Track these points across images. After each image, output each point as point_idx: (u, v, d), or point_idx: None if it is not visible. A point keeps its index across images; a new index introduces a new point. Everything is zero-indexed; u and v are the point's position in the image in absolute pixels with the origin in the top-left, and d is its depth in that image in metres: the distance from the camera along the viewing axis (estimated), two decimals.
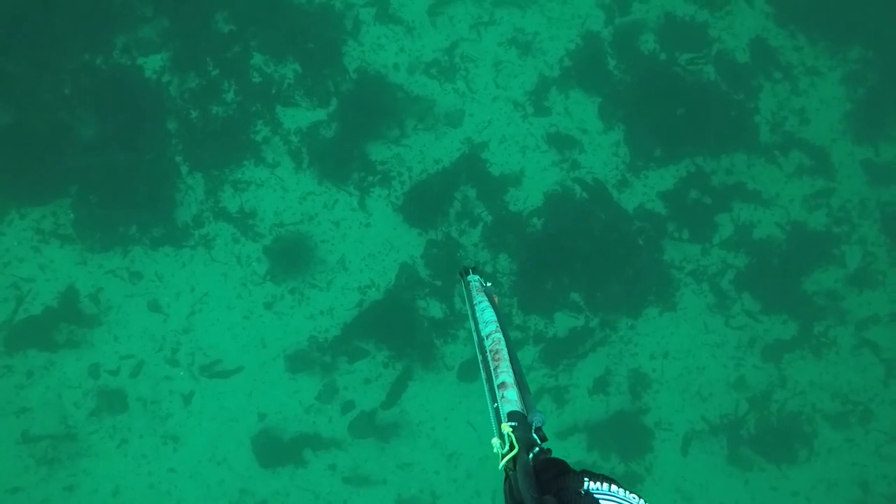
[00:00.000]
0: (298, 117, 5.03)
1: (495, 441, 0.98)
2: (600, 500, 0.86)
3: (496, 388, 1.05)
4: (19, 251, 4.71)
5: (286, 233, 4.97)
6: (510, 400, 1.03)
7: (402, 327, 5.02)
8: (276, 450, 4.86)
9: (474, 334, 1.20)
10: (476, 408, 5.24)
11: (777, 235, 5.33)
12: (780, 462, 5.29)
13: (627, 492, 0.91)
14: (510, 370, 1.08)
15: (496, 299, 1.20)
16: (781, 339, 5.35)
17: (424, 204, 5.05)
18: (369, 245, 5.04)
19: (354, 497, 4.91)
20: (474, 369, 5.42)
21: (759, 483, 5.33)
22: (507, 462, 0.94)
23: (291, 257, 4.96)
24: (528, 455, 0.93)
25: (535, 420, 0.98)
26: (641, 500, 0.89)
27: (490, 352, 1.12)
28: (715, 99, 5.31)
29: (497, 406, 1.02)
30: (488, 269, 5.11)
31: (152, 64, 4.94)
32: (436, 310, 5.07)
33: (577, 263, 5.14)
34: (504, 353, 1.11)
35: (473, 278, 1.36)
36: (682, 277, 5.30)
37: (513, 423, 0.98)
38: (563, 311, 5.19)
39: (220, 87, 4.99)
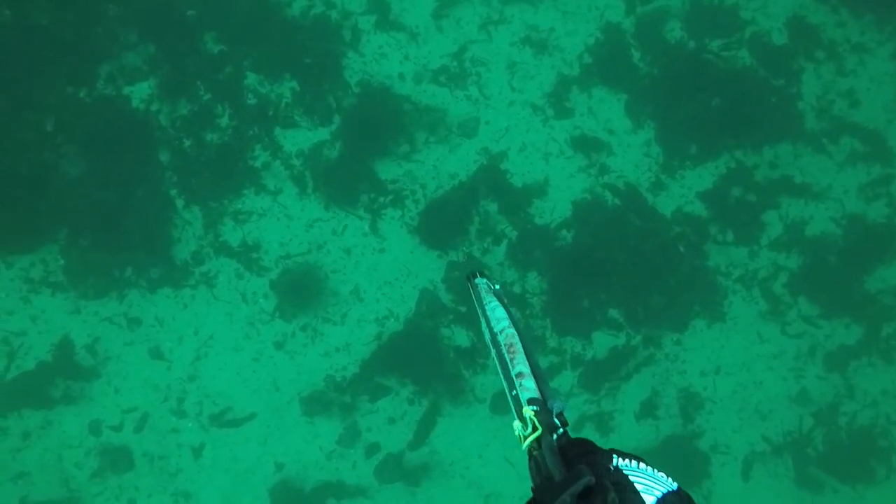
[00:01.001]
0: (299, 138, 4.68)
1: (517, 424, 0.97)
2: (630, 477, 0.84)
3: (513, 377, 1.05)
4: (8, 303, 4.41)
5: (293, 265, 4.61)
6: (528, 388, 1.03)
7: (426, 359, 4.63)
8: (297, 501, 4.47)
9: (486, 332, 1.18)
10: (513, 442, 4.79)
11: (832, 231, 4.87)
12: (856, 482, 4.80)
13: (657, 470, 0.89)
14: (526, 362, 1.08)
15: (506, 301, 1.21)
16: (846, 344, 4.88)
17: (442, 223, 4.66)
18: (385, 272, 4.65)
19: None
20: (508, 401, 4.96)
21: None
22: (531, 443, 0.94)
23: (301, 291, 4.59)
24: (552, 436, 0.93)
25: (556, 406, 0.97)
26: (670, 479, 0.87)
27: (504, 346, 1.11)
28: (753, 86, 4.88)
29: (516, 393, 1.01)
30: (516, 289, 4.72)
31: (139, 92, 4.63)
32: (462, 338, 4.67)
33: (614, 276, 4.72)
34: (519, 347, 1.10)
35: (481, 281, 1.34)
36: (730, 284, 4.87)
37: (534, 407, 0.98)
38: (601, 329, 4.77)
39: (214, 112, 4.66)
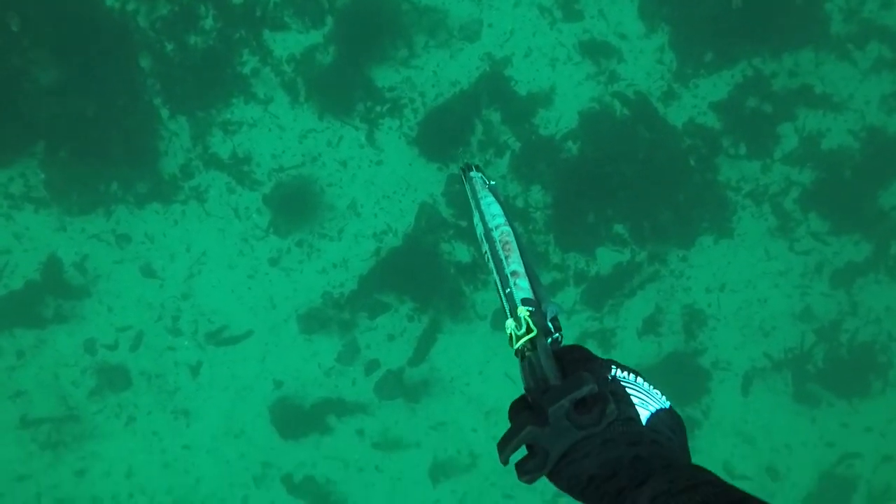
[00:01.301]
0: (290, 42, 4.37)
1: (510, 322, 0.91)
2: (627, 389, 0.81)
3: (508, 275, 0.98)
4: None
5: (287, 178, 4.41)
6: (523, 288, 0.96)
7: (426, 275, 4.52)
8: (298, 418, 4.49)
9: (478, 226, 1.11)
10: (514, 358, 4.77)
11: (850, 144, 4.69)
12: (852, 396, 4.85)
13: (652, 387, 0.86)
14: (521, 261, 1.01)
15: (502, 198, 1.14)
16: (853, 261, 4.81)
17: (442, 134, 4.43)
18: (383, 185, 4.47)
19: (386, 462, 4.56)
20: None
21: (829, 420, 4.91)
22: (525, 343, 0.88)
23: (295, 205, 4.42)
24: (547, 340, 0.88)
25: (551, 309, 0.91)
26: (664, 397, 0.85)
27: (499, 242, 1.04)
28: None
29: (509, 292, 0.95)
30: (519, 203, 4.56)
31: None
32: (462, 253, 4.55)
33: (621, 191, 4.55)
34: (514, 245, 1.04)
35: (476, 175, 1.24)
36: (740, 199, 4.72)
37: (529, 308, 0.91)
38: (606, 245, 4.65)
39: (197, 13, 4.33)
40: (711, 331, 4.91)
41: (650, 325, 4.86)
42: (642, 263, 4.79)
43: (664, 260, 4.82)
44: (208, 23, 4.38)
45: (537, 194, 4.63)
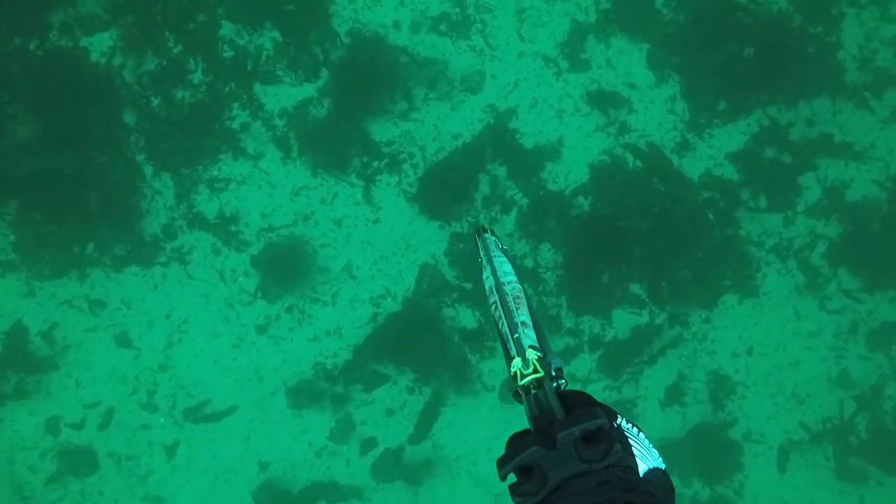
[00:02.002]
0: (282, 96, 4.17)
1: (517, 361, 0.94)
2: (629, 440, 0.85)
3: (517, 324, 1.01)
4: None
5: (277, 238, 4.12)
6: (530, 337, 1.00)
7: (428, 343, 4.16)
8: None
9: (489, 279, 1.13)
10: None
11: (876, 195, 4.45)
12: None
13: (651, 445, 0.90)
14: (529, 315, 1.04)
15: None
16: (890, 320, 4.44)
17: (444, 190, 4.18)
18: (380, 246, 4.17)
19: None
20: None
21: (878, 500, 4.40)
22: (531, 381, 0.91)
23: (286, 268, 4.11)
24: (553, 384, 0.92)
25: (555, 362, 0.95)
26: (661, 458, 0.89)
27: (510, 296, 1.07)
28: (788, 34, 4.44)
29: (518, 337, 0.98)
30: (528, 263, 4.24)
31: (99, 44, 4.11)
32: (467, 318, 4.20)
33: (636, 248, 4.26)
34: (524, 301, 1.07)
35: (490, 238, 1.27)
36: (764, 255, 4.43)
37: (537, 353, 0.95)
38: (622, 307, 4.32)
39: (185, 67, 4.15)
40: (741, 399, 4.51)
41: (673, 395, 4.46)
42: (662, 326, 4.44)
43: (685, 322, 4.47)
44: (197, 76, 4.19)
45: (547, 253, 4.33)
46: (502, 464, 0.82)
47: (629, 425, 0.89)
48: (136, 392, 4.07)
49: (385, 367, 4.25)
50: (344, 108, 4.29)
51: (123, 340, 4.09)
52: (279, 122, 4.27)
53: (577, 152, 4.38)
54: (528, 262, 4.34)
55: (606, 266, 4.38)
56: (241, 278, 4.20)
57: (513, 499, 0.82)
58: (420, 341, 4.25)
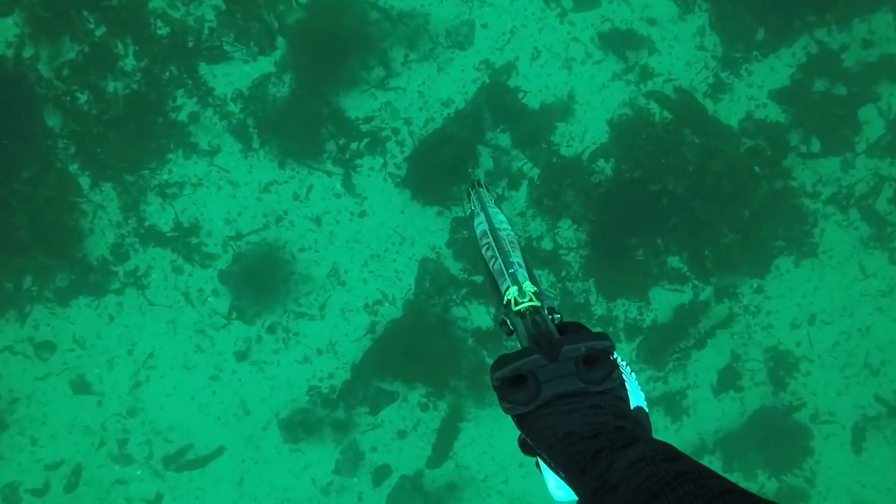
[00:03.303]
0: (234, 75, 3.51)
1: (513, 289, 0.94)
2: (623, 375, 0.85)
3: (513, 262, 1.00)
4: None
5: (247, 247, 3.51)
6: (525, 276, 0.98)
7: (438, 351, 3.58)
8: None
9: (481, 224, 1.11)
10: None
11: None
12: None
13: (639, 387, 0.90)
14: (523, 260, 1.02)
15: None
16: None
17: (439, 169, 3.55)
18: (370, 243, 3.57)
19: None
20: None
21: None
22: (528, 307, 0.91)
23: (261, 281, 3.51)
24: (549, 316, 0.92)
25: (549, 301, 0.94)
26: (646, 402, 0.90)
27: (505, 240, 1.05)
28: None
29: (513, 272, 0.97)
30: (545, 245, 3.64)
31: (3, 32, 3.39)
32: (481, 317, 3.61)
33: (672, 215, 3.63)
34: (518, 246, 1.07)
35: (484, 192, 1.25)
36: (820, 207, 3.82)
37: (534, 288, 0.94)
38: (660, 285, 3.74)
39: (113, 52, 3.49)
40: (805, 376, 3.95)
41: (727, 379, 3.90)
42: (708, 302, 3.85)
43: (735, 294, 3.88)
44: (128, 62, 3.51)
45: (567, 231, 3.70)
46: (499, 365, 0.81)
47: (623, 362, 0.89)
48: (105, 443, 3.53)
49: (391, 383, 3.69)
50: (309, 82, 3.61)
51: (81, 386, 3.53)
52: (234, 108, 3.60)
53: (593, 108, 3.71)
54: (546, 244, 3.71)
55: (639, 239, 3.75)
56: (210, 298, 3.60)
57: (501, 405, 0.81)
58: (428, 349, 3.67)
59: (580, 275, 3.76)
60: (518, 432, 0.86)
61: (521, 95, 3.68)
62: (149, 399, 3.58)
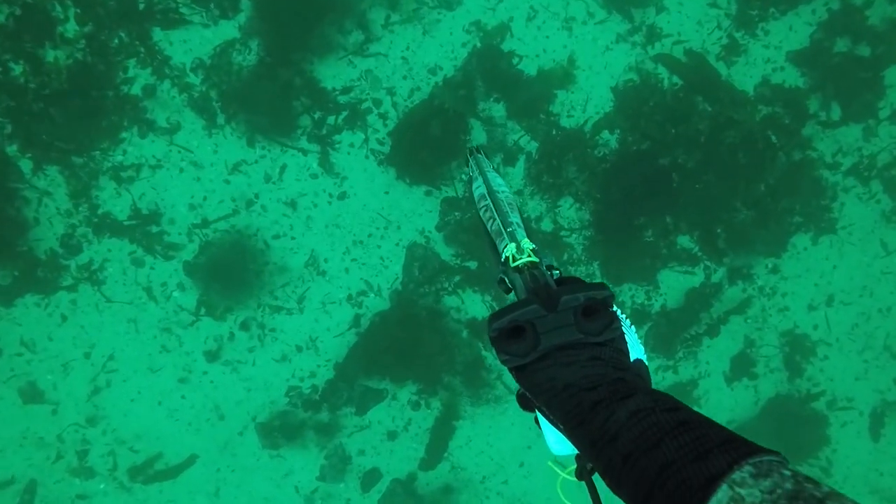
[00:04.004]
0: (193, 42, 3.11)
1: (511, 246, 0.94)
2: (621, 327, 0.84)
3: (511, 222, 1.00)
4: None
5: (215, 235, 3.16)
6: (524, 236, 0.98)
7: (429, 344, 3.28)
8: None
9: (479, 188, 1.12)
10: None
11: None
12: None
13: (640, 341, 0.90)
14: (522, 221, 1.03)
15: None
16: None
17: (426, 144, 3.19)
18: (351, 227, 3.24)
19: None
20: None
21: None
22: (525, 262, 0.91)
23: (231, 272, 3.17)
24: (547, 272, 0.91)
25: (547, 259, 0.93)
26: (646, 355, 0.89)
27: (504, 202, 1.06)
28: None
29: (512, 231, 0.98)
30: (546, 226, 3.33)
31: None
32: (476, 306, 3.32)
33: (682, 191, 3.33)
34: (517, 208, 1.08)
35: (482, 157, 1.26)
36: (840, 180, 3.54)
37: (533, 245, 0.95)
38: (670, 267, 3.44)
39: (51, 16, 3.05)
40: (822, 361, 3.72)
41: (741, 366, 3.65)
42: (721, 284, 3.58)
43: (749, 275, 3.60)
44: (70, 27, 3.10)
45: (569, 210, 3.39)
46: (497, 316, 0.79)
47: (623, 315, 0.87)
48: (62, 456, 3.21)
49: (378, 381, 3.39)
50: (278, 48, 3.23)
51: (32, 394, 3.19)
52: (194, 79, 3.21)
53: (596, 73, 3.36)
54: (546, 225, 3.40)
55: (647, 218, 3.45)
56: (175, 293, 3.25)
57: (498, 357, 0.80)
58: (419, 343, 3.37)
59: (583, 258, 3.45)
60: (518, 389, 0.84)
61: (516, 61, 3.32)
62: (110, 406, 3.25)
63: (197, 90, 3.25)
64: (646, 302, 3.54)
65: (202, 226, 3.27)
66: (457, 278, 3.40)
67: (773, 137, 3.52)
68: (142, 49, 3.23)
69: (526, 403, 0.83)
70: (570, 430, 0.73)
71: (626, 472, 0.64)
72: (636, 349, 0.85)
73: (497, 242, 0.98)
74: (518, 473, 3.53)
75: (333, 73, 3.29)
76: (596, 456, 0.68)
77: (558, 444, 0.84)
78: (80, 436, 3.24)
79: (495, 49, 3.32)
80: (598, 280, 3.41)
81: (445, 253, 3.38)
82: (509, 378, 3.48)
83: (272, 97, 3.28)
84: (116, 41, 3.21)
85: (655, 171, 3.41)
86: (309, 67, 3.28)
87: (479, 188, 1.12)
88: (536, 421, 0.87)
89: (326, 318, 3.34)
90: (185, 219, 3.27)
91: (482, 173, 1.15)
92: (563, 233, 3.43)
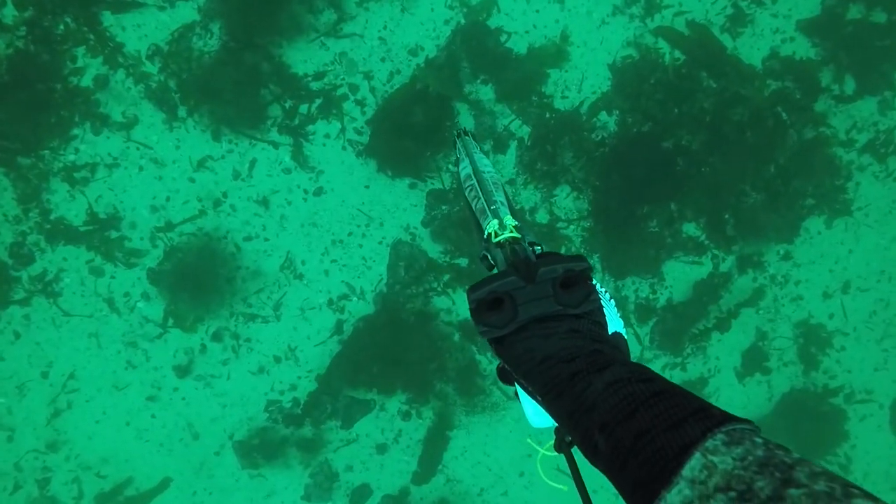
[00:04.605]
0: (148, 26, 2.83)
1: (493, 223, 0.96)
2: (600, 299, 0.84)
3: (495, 200, 1.03)
4: None
5: (181, 239, 2.91)
6: (507, 213, 1.00)
7: (419, 349, 3.04)
8: None
9: (466, 168, 1.15)
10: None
11: None
12: None
13: (618, 314, 0.92)
14: (506, 200, 1.06)
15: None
16: None
17: (409, 132, 2.92)
18: (329, 226, 2.98)
19: None
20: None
21: None
22: (507, 238, 0.93)
23: (200, 279, 2.91)
24: (529, 248, 0.93)
25: (530, 236, 0.95)
26: (623, 325, 0.91)
27: (489, 182, 1.09)
28: None
29: (495, 208, 1.01)
30: (541, 218, 3.08)
31: None
32: (467, 307, 3.00)
33: (687, 175, 3.08)
34: (501, 187, 1.10)
35: (470, 140, 1.32)
36: (855, 158, 3.33)
37: (516, 222, 0.97)
38: (675, 257, 3.20)
39: None
40: (839, 352, 3.51)
41: (753, 361, 3.43)
42: (730, 273, 3.35)
43: (759, 263, 3.38)
44: (7, 13, 2.80)
45: (566, 200, 3.14)
46: (475, 288, 0.79)
47: (602, 288, 0.88)
48: (21, 486, 2.95)
49: (365, 391, 3.14)
50: (243, 31, 2.94)
51: None
52: (151, 68, 2.93)
53: (591, 50, 3.10)
54: (542, 217, 3.15)
55: (649, 205, 3.20)
56: (139, 304, 2.99)
57: (477, 328, 0.80)
58: (407, 348, 3.12)
59: (582, 250, 3.21)
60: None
61: (504, 38, 3.05)
62: (73, 429, 2.99)
63: (154, 80, 2.96)
64: (651, 296, 3.30)
65: (166, 229, 2.99)
66: (446, 277, 3.14)
67: (784, 114, 3.27)
68: (91, 36, 2.94)
69: (505, 376, 0.83)
70: (547, 401, 0.73)
71: (602, 442, 0.64)
72: (614, 322, 0.87)
73: (481, 220, 0.99)
74: (518, 484, 3.31)
75: (304, 57, 3.01)
76: (573, 427, 0.68)
77: (537, 416, 0.85)
78: (40, 463, 2.98)
79: (481, 26, 3.05)
80: (598, 275, 3.19)
81: (433, 250, 3.13)
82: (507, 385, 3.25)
83: (238, 85, 3.00)
84: (62, 27, 2.92)
85: (658, 155, 3.16)
86: (277, 51, 3.00)
87: (465, 168, 1.15)
88: (517, 395, 0.87)
89: (306, 326, 3.08)
90: (147, 222, 2.99)
91: (468, 154, 1.18)
92: (559, 224, 3.17)
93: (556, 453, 0.82)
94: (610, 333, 0.82)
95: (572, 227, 3.20)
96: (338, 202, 3.07)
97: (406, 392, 3.18)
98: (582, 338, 0.76)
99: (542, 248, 0.91)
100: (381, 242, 3.10)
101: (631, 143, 3.15)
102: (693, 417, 0.59)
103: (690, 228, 3.31)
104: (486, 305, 0.79)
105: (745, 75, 3.24)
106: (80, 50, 2.93)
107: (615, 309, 0.89)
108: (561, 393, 0.70)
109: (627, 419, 0.62)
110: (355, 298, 3.11)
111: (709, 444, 0.55)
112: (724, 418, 0.57)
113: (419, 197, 3.11)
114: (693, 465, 0.55)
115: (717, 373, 3.43)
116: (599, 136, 3.15)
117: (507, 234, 0.91)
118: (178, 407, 3.06)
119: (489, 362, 3.20)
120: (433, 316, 3.16)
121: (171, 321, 3.03)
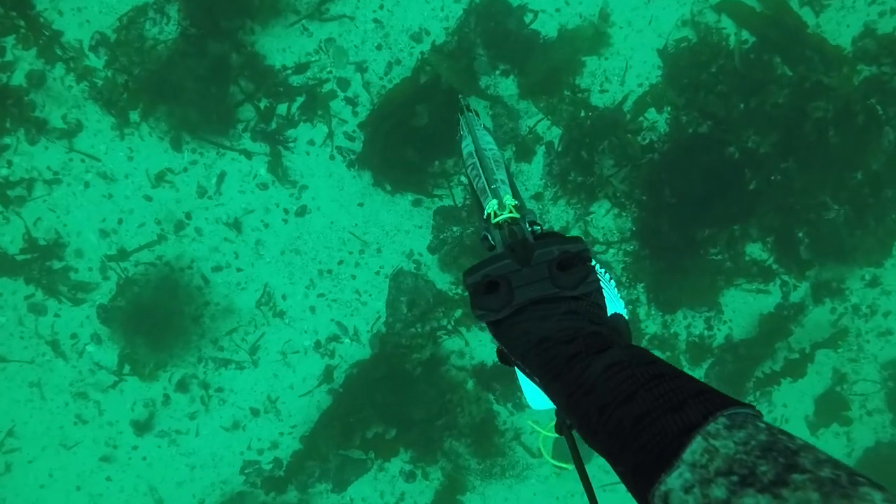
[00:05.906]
0: (90, 10, 2.36)
1: (493, 202, 0.95)
2: (599, 282, 0.82)
3: (496, 179, 1.02)
4: None
5: (137, 269, 2.42)
6: (508, 192, 0.99)
7: (424, 401, 2.53)
8: None
9: (468, 147, 1.14)
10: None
11: None
12: None
13: (618, 294, 0.92)
14: (507, 178, 1.05)
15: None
16: None
17: (412, 138, 2.37)
18: (315, 253, 2.48)
19: None
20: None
21: None
22: (506, 219, 0.91)
23: (161, 317, 2.40)
24: (528, 228, 0.92)
25: (530, 215, 0.94)
26: (623, 305, 0.92)
27: (491, 160, 1.08)
28: None
29: (495, 188, 1.00)
30: (577, 234, 2.44)
31: None
32: (482, 348, 2.54)
33: (755, 187, 2.50)
34: (503, 165, 1.09)
35: (473, 116, 1.30)
36: None
37: (515, 202, 0.95)
38: (736, 285, 2.63)
39: None
40: None
41: (829, 409, 2.88)
42: (804, 304, 2.77)
43: (840, 291, 2.81)
44: None
45: (605, 219, 2.59)
46: (471, 272, 0.80)
47: (602, 269, 0.88)
48: None
49: (359, 450, 2.64)
50: (205, 14, 2.40)
51: None
52: (96, 62, 2.42)
53: (637, 32, 2.51)
54: (579, 233, 2.59)
55: (707, 224, 2.63)
56: (89, 347, 2.52)
57: (473, 312, 0.80)
58: (410, 399, 2.61)
59: (624, 279, 2.65)
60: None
61: (528, 18, 2.47)
62: (13, 495, 2.55)
63: (100, 76, 2.45)
64: (706, 332, 2.74)
65: (119, 258, 2.50)
66: (458, 313, 2.62)
67: (879, 107, 2.66)
68: (21, 22, 2.43)
69: (504, 359, 0.82)
70: (546, 383, 0.72)
71: (601, 425, 0.63)
72: (615, 303, 0.88)
73: (481, 200, 0.99)
74: None
75: (282, 46, 2.47)
76: (572, 409, 0.67)
77: (536, 398, 0.86)
78: None
79: (501, 3, 2.47)
80: (653, 312, 2.66)
81: (442, 281, 2.60)
82: (529, 439, 2.73)
83: (201, 82, 2.47)
84: None
85: (718, 162, 2.58)
86: (249, 38, 2.46)
87: (467, 146, 1.14)
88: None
89: (288, 373, 2.59)
90: (95, 249, 2.50)
91: (471, 131, 1.17)
92: (597, 247, 2.62)
93: (556, 435, 0.81)
94: (610, 315, 0.81)
95: (612, 250, 2.65)
96: (325, 224, 2.54)
97: (409, 449, 2.68)
98: (580, 319, 0.75)
99: (541, 229, 0.90)
100: (378, 273, 2.58)
101: (686, 149, 2.57)
102: (694, 400, 0.57)
103: (755, 250, 2.73)
104: (482, 289, 0.78)
105: (831, 60, 2.62)
106: (9, 40, 2.43)
107: (616, 290, 0.90)
108: (559, 375, 0.69)
109: (627, 401, 0.61)
110: (347, 340, 2.60)
111: (710, 427, 0.54)
112: (726, 402, 0.56)
113: (424, 217, 2.57)
114: (694, 449, 0.53)
115: (784, 423, 2.87)
116: (647, 140, 2.57)
117: (505, 215, 0.90)
118: (137, 468, 2.60)
119: (510, 414, 2.69)
120: (441, 360, 2.64)
121: (127, 368, 2.55)
